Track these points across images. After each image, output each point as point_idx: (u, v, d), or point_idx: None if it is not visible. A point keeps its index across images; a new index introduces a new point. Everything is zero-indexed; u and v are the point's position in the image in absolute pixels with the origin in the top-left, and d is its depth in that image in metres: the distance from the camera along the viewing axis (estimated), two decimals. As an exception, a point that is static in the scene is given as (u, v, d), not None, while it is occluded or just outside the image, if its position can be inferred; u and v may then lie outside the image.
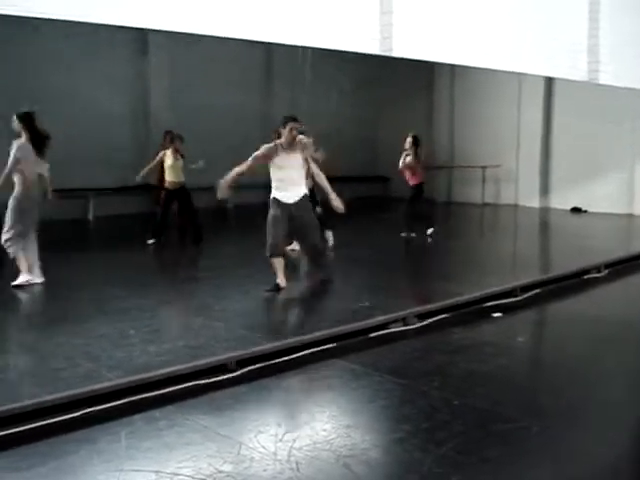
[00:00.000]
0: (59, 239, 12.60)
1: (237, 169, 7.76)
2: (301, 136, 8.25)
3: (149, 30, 12.97)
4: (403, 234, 12.38)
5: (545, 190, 18.20)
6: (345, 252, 10.77)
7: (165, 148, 11.93)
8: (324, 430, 4.29)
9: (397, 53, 6.19)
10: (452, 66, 17.15)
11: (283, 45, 6.80)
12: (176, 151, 11.64)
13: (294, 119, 7.80)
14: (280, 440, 4.14)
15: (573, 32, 8.80)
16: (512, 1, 7.40)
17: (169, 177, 11.65)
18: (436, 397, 4.90)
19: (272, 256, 7.79)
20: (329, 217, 10.24)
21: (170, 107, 16.07)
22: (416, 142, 12.49)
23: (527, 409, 4.75)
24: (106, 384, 4.83)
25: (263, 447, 4.03)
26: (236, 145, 12.21)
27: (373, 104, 20.58)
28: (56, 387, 4.82)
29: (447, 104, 19.79)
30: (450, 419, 4.49)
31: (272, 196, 7.85)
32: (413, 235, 12.38)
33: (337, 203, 7.85)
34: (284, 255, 8.02)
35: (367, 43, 6.09)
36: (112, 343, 5.96)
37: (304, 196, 7.89)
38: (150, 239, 11.46)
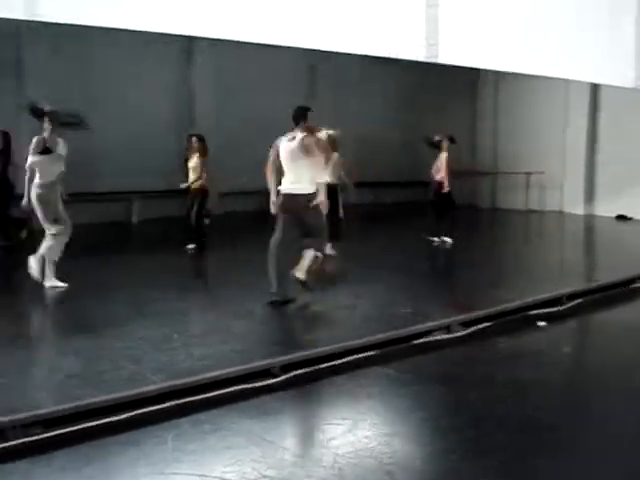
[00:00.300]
0: (102, 241, 12.80)
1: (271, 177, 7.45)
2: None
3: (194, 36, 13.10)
4: (434, 238, 12.17)
5: (590, 197, 17.97)
6: (385, 257, 10.76)
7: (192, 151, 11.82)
8: (367, 437, 4.29)
9: (443, 60, 6.17)
10: (497, 72, 17.02)
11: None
12: (200, 152, 11.60)
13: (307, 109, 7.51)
14: (324, 446, 4.15)
15: (620, 38, 8.69)
16: (557, 8, 7.33)
17: (191, 179, 11.59)
18: (481, 407, 4.87)
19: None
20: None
21: (215, 112, 16.20)
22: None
23: (574, 419, 4.70)
24: (152, 387, 4.88)
25: (307, 453, 4.05)
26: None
27: (416, 109, 20.48)
28: (101, 389, 4.88)
29: (491, 110, 19.67)
30: (495, 429, 4.46)
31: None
32: (447, 240, 12.13)
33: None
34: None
35: (413, 50, 6.08)
36: (155, 346, 6.02)
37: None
38: (190, 244, 11.50)
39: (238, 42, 6.70)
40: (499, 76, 18.51)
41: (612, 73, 8.38)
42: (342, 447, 4.13)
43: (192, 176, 11.58)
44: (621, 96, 14.57)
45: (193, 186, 11.59)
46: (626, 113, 16.23)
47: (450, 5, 6.08)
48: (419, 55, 6.07)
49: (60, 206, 8.37)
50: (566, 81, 15.28)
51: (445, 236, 12.17)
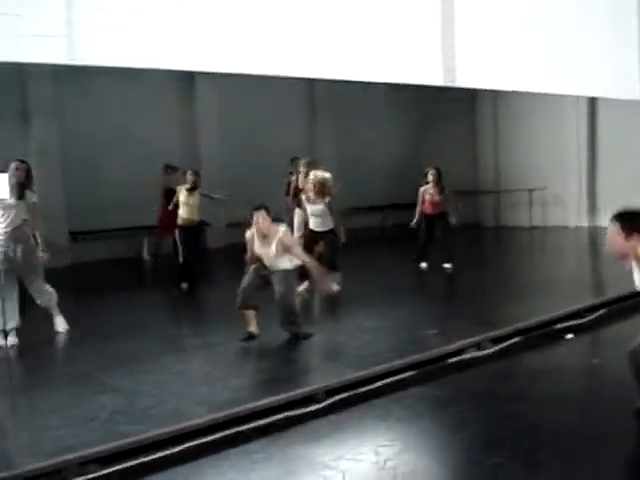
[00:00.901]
0: (117, 278, 12.86)
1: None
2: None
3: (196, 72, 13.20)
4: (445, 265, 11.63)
5: (593, 210, 18.06)
6: (397, 279, 10.82)
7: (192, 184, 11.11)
8: (423, 456, 4.36)
9: (461, 83, 6.30)
10: (495, 90, 17.13)
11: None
12: (195, 186, 11.06)
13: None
14: (382, 468, 4.21)
15: (624, 53, 8.86)
16: (568, 26, 7.49)
17: (184, 214, 10.98)
18: (528, 420, 4.93)
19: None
20: None
21: (220, 146, 16.31)
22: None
23: (620, 430, 4.74)
24: (201, 420, 4.93)
25: (366, 475, 4.11)
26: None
27: (415, 129, 20.56)
28: (148, 424, 4.94)
29: (491, 127, 19.75)
30: (547, 440, 4.52)
31: None
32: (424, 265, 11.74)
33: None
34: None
35: (431, 75, 6.21)
36: (193, 379, 6.10)
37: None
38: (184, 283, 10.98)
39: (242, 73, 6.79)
40: (497, 93, 18.61)
41: (620, 86, 8.52)
42: (399, 467, 4.19)
43: (189, 211, 10.96)
44: (619, 106, 14.67)
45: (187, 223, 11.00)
46: (625, 123, 16.35)
47: (466, 30, 6.23)
48: (437, 80, 6.21)
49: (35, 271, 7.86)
50: (561, 95, 15.35)
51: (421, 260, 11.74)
